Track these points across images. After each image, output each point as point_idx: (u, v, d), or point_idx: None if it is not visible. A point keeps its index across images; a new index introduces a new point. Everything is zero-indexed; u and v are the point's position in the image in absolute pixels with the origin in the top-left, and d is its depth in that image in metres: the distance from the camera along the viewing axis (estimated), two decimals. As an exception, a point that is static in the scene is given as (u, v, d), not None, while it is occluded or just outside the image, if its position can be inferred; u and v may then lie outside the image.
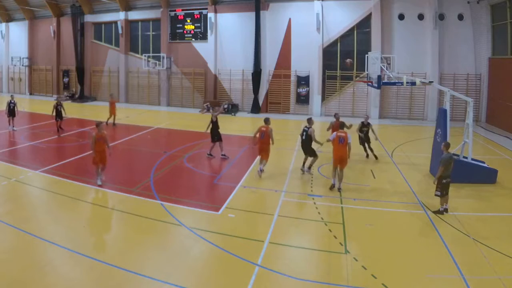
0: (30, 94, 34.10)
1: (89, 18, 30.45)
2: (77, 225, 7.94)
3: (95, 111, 25.66)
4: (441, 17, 22.32)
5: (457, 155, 11.40)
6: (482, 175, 11.11)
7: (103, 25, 30.39)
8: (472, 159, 11.34)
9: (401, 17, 23.04)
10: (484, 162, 11.69)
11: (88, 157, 13.42)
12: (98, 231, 7.89)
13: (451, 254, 7.03)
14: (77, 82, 31.26)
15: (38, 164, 12.17)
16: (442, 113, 11.49)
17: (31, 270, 6.22)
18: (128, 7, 28.92)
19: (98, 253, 6.86)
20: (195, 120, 20.98)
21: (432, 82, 13.60)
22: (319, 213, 8.88)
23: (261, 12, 24.71)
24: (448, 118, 11.27)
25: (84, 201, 9.29)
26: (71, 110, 25.62)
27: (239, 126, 21.42)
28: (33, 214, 8.47)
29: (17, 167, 11.95)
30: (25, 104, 27.77)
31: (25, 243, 7.13)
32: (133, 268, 6.38)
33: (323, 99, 24.49)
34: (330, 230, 7.95)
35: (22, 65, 33.82)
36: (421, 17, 22.74)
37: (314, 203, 9.49)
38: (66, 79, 32.24)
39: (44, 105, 27.57)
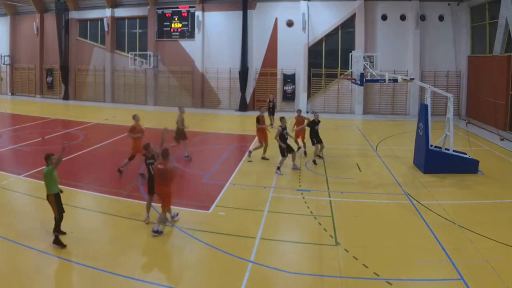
0: (12, 94, 33.20)
1: (74, 14, 29.93)
2: (65, 231, 7.44)
3: (80, 111, 25.39)
4: (423, 18, 23.09)
5: (439, 147, 11.93)
6: (464, 166, 11.62)
7: (88, 22, 29.92)
8: (454, 151, 11.82)
9: (384, 17, 23.71)
10: (465, 154, 12.23)
11: (74, 160, 13.16)
12: (87, 236, 7.59)
13: (438, 240, 7.33)
14: (61, 81, 30.76)
15: (21, 169, 11.62)
16: (423, 108, 11.96)
17: (17, 280, 5.97)
18: (114, 4, 28.62)
19: (88, 258, 6.61)
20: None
21: (413, 79, 14.13)
22: (308, 207, 9.04)
23: (248, 11, 24.94)
24: (430, 113, 11.74)
25: (71, 206, 8.73)
26: (56, 110, 25.29)
27: (227, 124, 21.63)
28: (18, 221, 8.13)
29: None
30: (7, 104, 27.11)
31: (10, 252, 6.85)
32: (125, 272, 6.26)
33: (308, 96, 24.95)
34: (320, 224, 8.13)
35: (3, 64, 32.94)
36: (403, 17, 23.47)
37: (303, 197, 9.67)
38: (49, 79, 31.56)
39: (27, 105, 26.83)
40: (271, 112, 19.55)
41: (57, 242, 6.97)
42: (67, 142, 15.53)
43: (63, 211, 7.21)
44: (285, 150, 11.66)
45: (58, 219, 7.10)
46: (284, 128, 11.79)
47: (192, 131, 14.75)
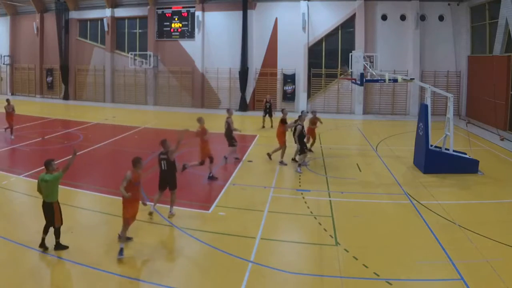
0: (12, 94, 33.14)
1: (74, 14, 29.94)
2: (65, 231, 7.30)
3: (80, 111, 25.37)
4: (423, 18, 23.10)
5: (439, 147, 11.93)
6: (464, 166, 11.63)
7: (88, 22, 29.94)
8: (454, 151, 11.82)
9: (384, 17, 23.72)
10: (465, 154, 12.24)
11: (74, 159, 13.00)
12: (86, 235, 7.55)
13: (438, 241, 7.33)
14: (61, 81, 30.75)
15: (21, 169, 11.59)
16: (423, 108, 11.96)
17: (17, 280, 5.97)
18: (114, 4, 28.63)
19: (88, 258, 6.59)
20: (182, 120, 21.02)
21: (413, 79, 14.12)
22: (308, 207, 9.05)
23: (248, 11, 24.95)
24: (429, 113, 11.75)
25: (71, 206, 8.75)
26: (56, 110, 25.22)
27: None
28: (18, 222, 8.13)
29: (-1, 172, 11.29)
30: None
31: (10, 252, 6.83)
32: (125, 272, 6.28)
33: (308, 96, 24.96)
34: (320, 224, 8.14)
35: (3, 64, 32.95)
36: (403, 17, 23.48)
37: (303, 197, 9.68)
38: (49, 79, 31.56)
39: (27, 105, 26.59)
40: (268, 112, 19.50)
41: (60, 247, 6.90)
42: (67, 142, 15.55)
43: None
44: (305, 147, 11.90)
45: (59, 226, 6.99)
46: (303, 126, 11.85)
47: (192, 131, 14.75)
